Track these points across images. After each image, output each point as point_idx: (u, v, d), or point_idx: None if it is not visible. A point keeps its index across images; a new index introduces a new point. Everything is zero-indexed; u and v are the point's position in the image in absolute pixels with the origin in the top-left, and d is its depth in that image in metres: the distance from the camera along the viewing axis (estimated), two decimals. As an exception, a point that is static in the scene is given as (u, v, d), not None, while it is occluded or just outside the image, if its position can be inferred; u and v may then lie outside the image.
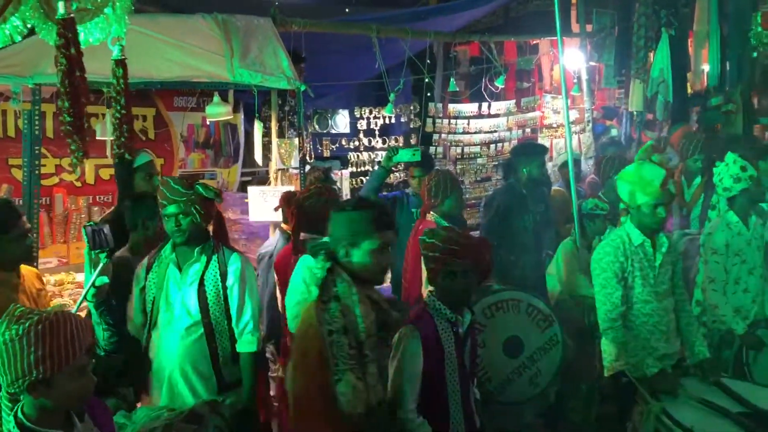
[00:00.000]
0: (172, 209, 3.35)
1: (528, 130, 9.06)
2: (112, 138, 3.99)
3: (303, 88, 5.51)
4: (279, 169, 5.98)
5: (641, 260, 3.90)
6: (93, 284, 3.15)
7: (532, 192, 5.52)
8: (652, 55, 8.14)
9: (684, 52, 8.30)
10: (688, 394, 3.58)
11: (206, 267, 3.47)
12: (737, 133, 8.49)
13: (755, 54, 7.31)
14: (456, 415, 3.13)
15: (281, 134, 6.04)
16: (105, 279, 3.18)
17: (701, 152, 6.03)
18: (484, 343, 4.46)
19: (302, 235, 4.05)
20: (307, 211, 4.02)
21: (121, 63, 3.59)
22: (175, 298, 3.46)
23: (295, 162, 5.96)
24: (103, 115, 5.88)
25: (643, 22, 8.10)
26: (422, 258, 3.20)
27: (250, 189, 5.70)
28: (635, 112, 8.55)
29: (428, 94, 8.33)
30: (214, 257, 3.50)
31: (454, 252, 3.10)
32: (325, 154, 7.33)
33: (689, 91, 8.73)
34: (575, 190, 5.05)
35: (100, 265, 3.19)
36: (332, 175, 5.99)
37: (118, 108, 3.63)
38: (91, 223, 3.34)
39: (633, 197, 3.84)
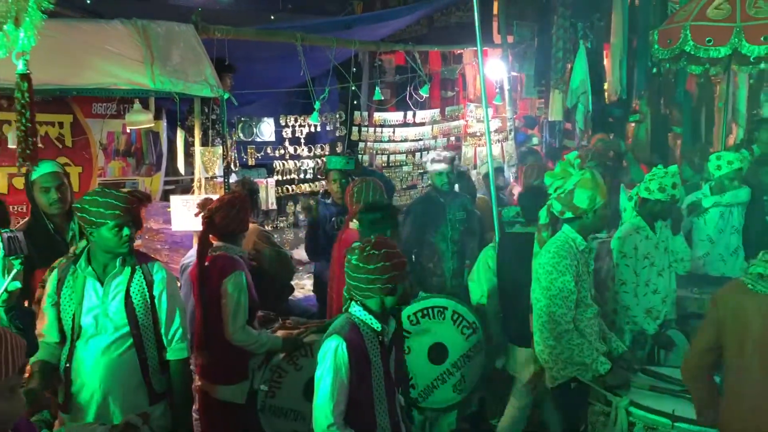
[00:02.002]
0: (115, 221, 3.30)
1: (452, 138, 9.21)
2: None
3: (226, 96, 5.46)
4: (203, 178, 5.90)
5: (584, 264, 3.95)
6: (5, 289, 3.08)
7: (450, 200, 5.61)
8: (570, 66, 8.42)
9: (600, 63, 8.62)
10: (638, 384, 3.76)
11: (131, 278, 3.43)
12: (642, 141, 8.89)
13: (654, 70, 7.67)
14: (383, 424, 3.15)
15: (205, 142, 5.95)
16: (17, 284, 3.11)
17: (592, 159, 6.27)
18: (409, 349, 4.52)
19: (215, 243, 4.12)
20: (218, 220, 4.04)
21: (25, 77, 3.53)
22: (98, 313, 3.39)
23: (219, 170, 5.89)
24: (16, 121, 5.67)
25: (561, 35, 8.40)
26: (356, 275, 3.13)
27: (173, 198, 5.59)
28: (555, 122, 8.82)
29: (354, 103, 8.36)
30: (138, 268, 3.47)
31: (396, 267, 3.12)
32: (249, 163, 7.27)
33: (606, 101, 9.09)
34: (497, 198, 5.15)
35: (14, 271, 3.12)
36: (257, 184, 5.97)
37: (24, 121, 3.58)
38: (6, 230, 3.29)
39: (593, 201, 3.83)
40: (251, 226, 5.34)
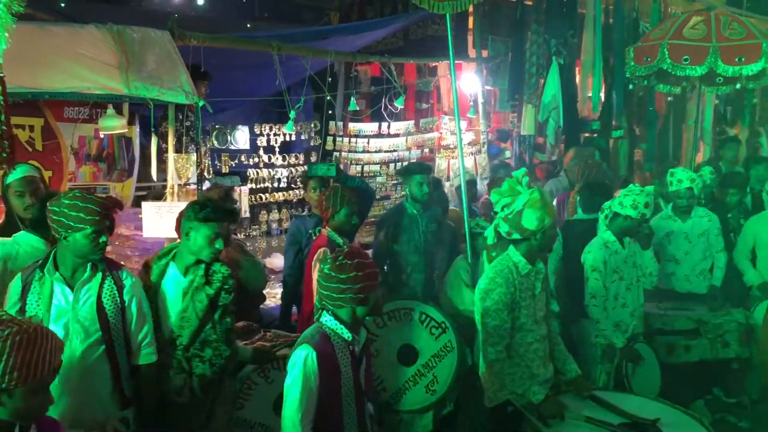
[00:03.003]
0: (94, 227, 3.29)
1: (426, 150, 9.27)
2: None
3: (201, 103, 5.44)
4: (176, 185, 5.88)
5: (526, 289, 3.84)
6: None
7: (422, 211, 5.64)
8: (543, 81, 8.54)
9: (573, 80, 8.75)
10: (573, 414, 3.67)
11: (102, 283, 3.43)
12: (623, 158, 9.05)
13: (631, 86, 7.82)
14: (351, 433, 3.17)
15: (179, 149, 5.93)
16: None
17: (584, 175, 6.35)
18: (377, 352, 4.51)
19: None
20: None
21: (-1, 81, 3.48)
22: (68, 319, 3.36)
23: (192, 177, 5.88)
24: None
25: (534, 50, 8.51)
26: (327, 284, 3.14)
27: (144, 204, 5.55)
28: (527, 136, 8.93)
29: (329, 113, 8.39)
30: (108, 273, 3.47)
31: (368, 277, 3.13)
32: (224, 170, 7.24)
33: (579, 116, 9.21)
34: (469, 209, 5.20)
35: None
36: (233, 192, 5.95)
37: (-2, 124, 3.53)
38: None
39: (542, 222, 3.73)
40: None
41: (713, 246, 6.00)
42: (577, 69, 8.94)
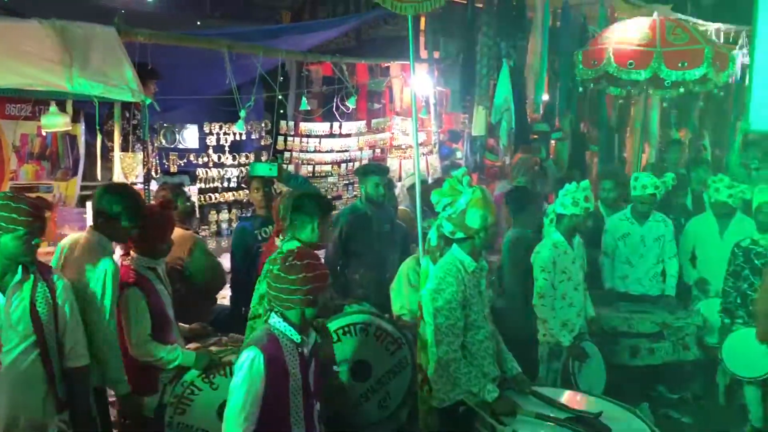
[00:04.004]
0: (26, 229, 3.22)
1: (378, 150, 9.27)
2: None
3: (148, 101, 5.34)
4: (122, 184, 5.76)
5: (474, 287, 3.88)
6: None
7: (376, 212, 5.64)
8: (494, 83, 8.63)
9: (523, 82, 8.87)
10: (524, 411, 3.71)
11: (34, 286, 3.36)
12: (564, 159, 9.20)
13: (580, 89, 7.95)
14: (299, 436, 3.15)
15: (125, 148, 5.81)
16: None
17: (524, 175, 6.44)
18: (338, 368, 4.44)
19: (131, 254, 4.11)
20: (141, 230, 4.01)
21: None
22: (0, 323, 3.28)
23: (139, 177, 5.76)
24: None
25: (485, 52, 8.58)
26: (277, 285, 3.11)
27: (89, 204, 5.43)
28: (478, 137, 9.00)
29: (281, 112, 8.32)
30: (40, 277, 3.42)
31: (318, 279, 3.11)
32: (172, 170, 7.11)
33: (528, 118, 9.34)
34: (421, 210, 5.20)
35: None
36: (185, 190, 5.86)
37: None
38: None
39: (485, 221, 3.77)
40: (187, 234, 5.27)
41: (666, 252, 6.07)
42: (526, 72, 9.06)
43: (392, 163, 9.19)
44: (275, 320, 3.16)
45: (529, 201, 5.94)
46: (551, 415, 3.69)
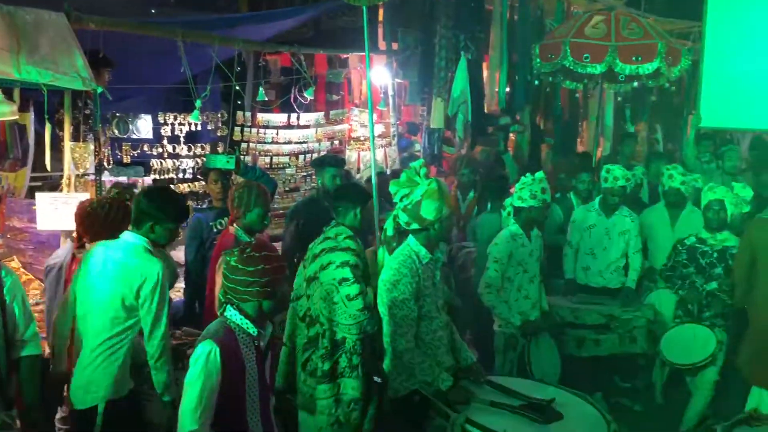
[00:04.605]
0: None
1: (336, 142, 9.22)
2: None
3: (99, 90, 5.22)
4: (73, 175, 5.62)
5: (428, 278, 3.90)
6: None
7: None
8: (452, 75, 8.65)
9: (480, 74, 8.92)
10: (478, 399, 3.77)
11: None
12: (524, 152, 9.29)
13: (537, 82, 8.04)
14: (255, 429, 3.12)
15: (76, 137, 5.66)
16: None
17: (467, 167, 6.48)
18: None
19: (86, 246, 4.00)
20: (87, 223, 3.99)
21: None
22: None
23: (91, 168, 5.63)
24: None
25: (443, 45, 8.61)
26: (234, 277, 3.08)
27: (39, 195, 5.29)
28: (436, 129, 9.03)
29: (238, 103, 8.21)
30: None
31: (276, 271, 3.08)
32: (125, 160, 6.95)
33: (486, 111, 9.40)
34: (378, 202, 5.19)
35: None
36: (135, 191, 5.73)
37: None
38: None
39: (440, 212, 3.80)
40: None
41: (631, 247, 6.09)
42: (484, 65, 9.11)
43: (351, 155, 9.16)
44: (231, 313, 3.12)
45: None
46: (505, 402, 3.74)
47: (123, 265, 3.60)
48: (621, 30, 6.74)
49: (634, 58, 6.63)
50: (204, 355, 2.96)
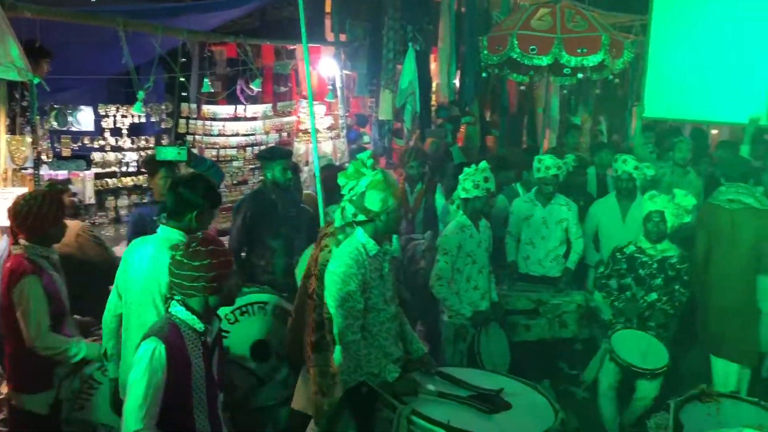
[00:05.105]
0: None
1: (284, 134, 9.13)
2: None
3: (36, 80, 5.04)
4: (10, 169, 5.43)
5: (375, 270, 3.87)
6: None
7: (281, 196, 5.55)
8: (400, 67, 8.65)
9: (428, 66, 8.93)
10: (426, 390, 3.77)
11: None
12: (474, 144, 9.35)
13: (484, 74, 8.08)
14: (203, 427, 3.06)
15: (13, 130, 5.47)
16: None
17: (415, 159, 6.49)
18: (228, 349, 4.36)
19: (21, 242, 3.88)
20: (20, 218, 3.84)
21: None
22: None
23: (29, 161, 5.45)
24: None
25: (391, 36, 8.60)
26: (179, 272, 3.00)
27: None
28: (385, 121, 9.02)
29: (183, 94, 8.05)
30: None
31: (222, 265, 3.03)
32: (64, 153, 6.75)
33: (434, 103, 9.43)
34: (323, 194, 5.14)
35: None
36: (71, 187, 5.58)
37: None
38: None
39: (385, 203, 3.78)
40: (75, 223, 5.03)
41: (572, 234, 6.17)
42: (433, 56, 9.12)
43: (299, 147, 9.09)
44: (177, 309, 3.05)
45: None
46: (453, 393, 3.76)
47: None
48: (566, 22, 6.82)
49: (579, 50, 6.72)
50: (148, 352, 2.89)
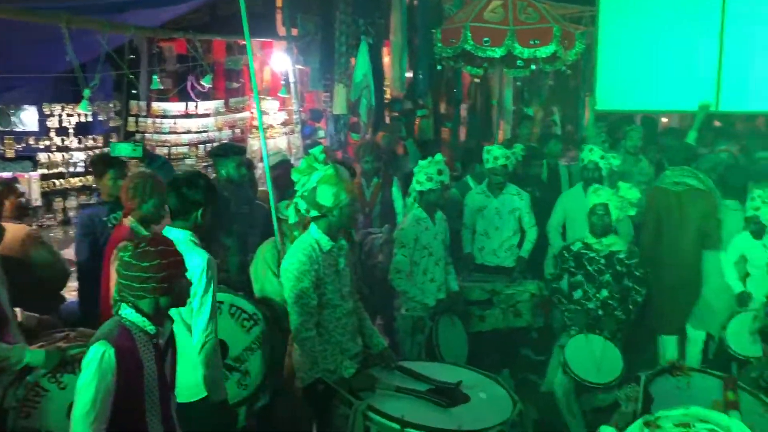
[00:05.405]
0: None
1: (238, 130, 9.01)
2: None
3: (-25, 80, 4.87)
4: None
5: (330, 266, 3.85)
6: None
7: (234, 194, 5.47)
8: (353, 60, 8.59)
9: (381, 59, 8.90)
10: (384, 385, 3.76)
11: None
12: (428, 136, 9.36)
13: (439, 67, 8.08)
14: (155, 430, 2.99)
15: (-47, 131, 5.29)
16: None
17: (369, 153, 6.47)
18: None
19: None
20: None
21: None
22: None
23: (-30, 163, 5.29)
24: None
25: (343, 30, 8.53)
26: (128, 273, 2.92)
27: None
28: (340, 115, 8.96)
29: (132, 92, 7.89)
30: None
31: (172, 265, 2.96)
32: (8, 154, 6.55)
33: (388, 96, 9.40)
34: (277, 192, 5.07)
35: None
36: (18, 186, 5.40)
37: None
38: None
39: (338, 198, 3.75)
40: (20, 227, 4.89)
41: (525, 223, 6.20)
42: (385, 50, 9.09)
43: (253, 143, 8.99)
44: (127, 311, 2.96)
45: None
46: (412, 387, 3.75)
47: None
48: (518, 14, 6.85)
49: (531, 42, 6.75)
50: (97, 357, 2.80)
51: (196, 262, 3.47)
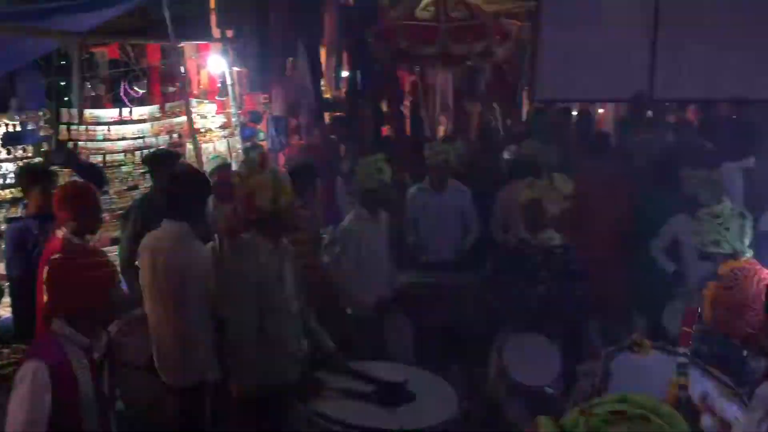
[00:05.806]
0: None
1: (176, 135, 8.84)
2: None
3: None
4: None
5: (274, 270, 3.84)
6: None
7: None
8: (290, 61, 8.55)
9: (318, 60, 8.87)
10: (331, 388, 3.73)
11: None
12: (369, 135, 9.35)
13: (375, 66, 8.10)
14: (96, 447, 2.92)
15: None
16: None
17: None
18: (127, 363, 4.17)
19: None
20: None
21: None
22: None
23: None
24: None
25: (279, 31, 8.46)
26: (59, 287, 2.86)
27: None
28: (280, 117, 8.90)
29: (65, 99, 7.67)
30: None
31: (105, 277, 2.90)
32: (-70, 168, 6.31)
33: (327, 96, 9.37)
34: (213, 197, 5.01)
35: None
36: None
37: None
38: None
39: (276, 202, 3.72)
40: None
41: (468, 217, 6.23)
42: (322, 50, 9.06)
43: (191, 147, 8.81)
44: (58, 325, 2.88)
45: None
46: (358, 389, 3.73)
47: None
48: (450, 11, 6.92)
49: (464, 39, 6.82)
50: (29, 374, 2.72)
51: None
